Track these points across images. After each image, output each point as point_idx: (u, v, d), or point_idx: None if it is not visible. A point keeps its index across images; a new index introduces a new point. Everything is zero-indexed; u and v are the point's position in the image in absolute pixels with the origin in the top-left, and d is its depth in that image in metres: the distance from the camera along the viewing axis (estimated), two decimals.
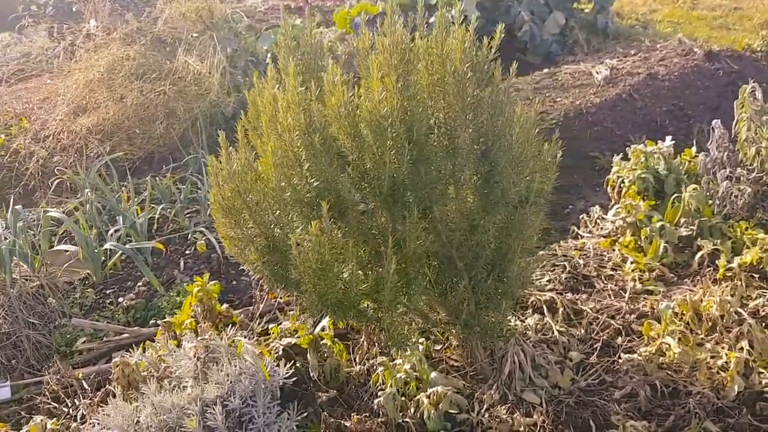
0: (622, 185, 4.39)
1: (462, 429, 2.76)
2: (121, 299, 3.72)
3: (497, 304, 2.80)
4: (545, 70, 6.87)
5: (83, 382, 2.94)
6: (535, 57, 8.15)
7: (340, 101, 2.37)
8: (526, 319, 3.33)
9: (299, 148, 2.36)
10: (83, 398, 2.83)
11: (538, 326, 3.23)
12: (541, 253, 4.16)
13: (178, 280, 3.92)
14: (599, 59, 6.73)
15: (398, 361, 2.90)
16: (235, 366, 2.22)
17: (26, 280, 3.68)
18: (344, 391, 3.07)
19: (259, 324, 3.13)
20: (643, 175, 4.21)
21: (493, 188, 2.59)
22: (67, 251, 3.90)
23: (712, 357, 2.95)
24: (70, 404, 2.88)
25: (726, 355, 2.89)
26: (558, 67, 6.98)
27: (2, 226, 3.73)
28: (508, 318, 3.24)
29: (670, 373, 2.93)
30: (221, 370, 2.23)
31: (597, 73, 6.18)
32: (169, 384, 2.40)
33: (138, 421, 2.20)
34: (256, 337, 2.87)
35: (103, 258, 3.94)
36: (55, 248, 3.91)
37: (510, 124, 2.40)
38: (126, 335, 3.46)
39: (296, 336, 2.93)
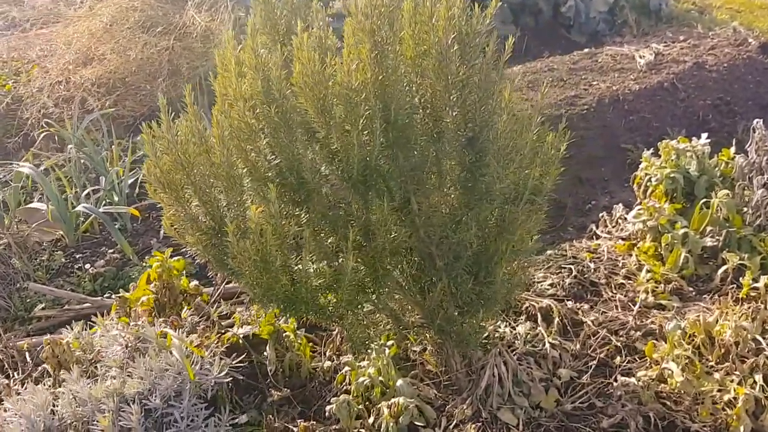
0: (648, 184, 4.04)
1: None
2: (89, 266, 3.55)
3: (476, 310, 2.53)
4: (585, 50, 6.47)
5: (26, 354, 2.79)
6: (579, 36, 7.74)
7: (307, 69, 2.11)
8: (517, 326, 3.06)
9: (254, 119, 2.12)
10: (21, 372, 2.67)
11: (529, 336, 2.96)
12: (549, 252, 3.88)
13: (154, 250, 3.74)
14: (645, 43, 6.30)
15: (363, 363, 2.67)
16: (160, 361, 2.02)
17: None
18: (306, 389, 2.86)
19: (221, 307, 2.93)
20: (671, 175, 3.86)
21: (477, 182, 2.31)
22: (43, 210, 3.75)
23: (719, 390, 2.65)
24: (9, 377, 2.73)
25: (735, 389, 2.58)
26: (600, 48, 6.56)
27: None
28: (492, 325, 2.99)
29: (669, 404, 2.64)
30: (144, 364, 2.03)
31: (640, 57, 5.77)
32: (100, 370, 2.21)
33: (53, 411, 2.02)
34: (207, 325, 2.66)
35: (79, 220, 3.78)
36: (30, 206, 3.76)
37: (497, 110, 2.11)
38: (88, 305, 3.31)
39: (257, 325, 2.71)
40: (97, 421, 1.90)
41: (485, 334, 3.02)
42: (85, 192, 3.87)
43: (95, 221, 3.88)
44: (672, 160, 3.93)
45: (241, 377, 2.85)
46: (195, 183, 2.09)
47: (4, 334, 3.17)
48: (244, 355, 2.64)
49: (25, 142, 5.59)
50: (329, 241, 2.39)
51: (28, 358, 2.77)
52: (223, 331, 2.68)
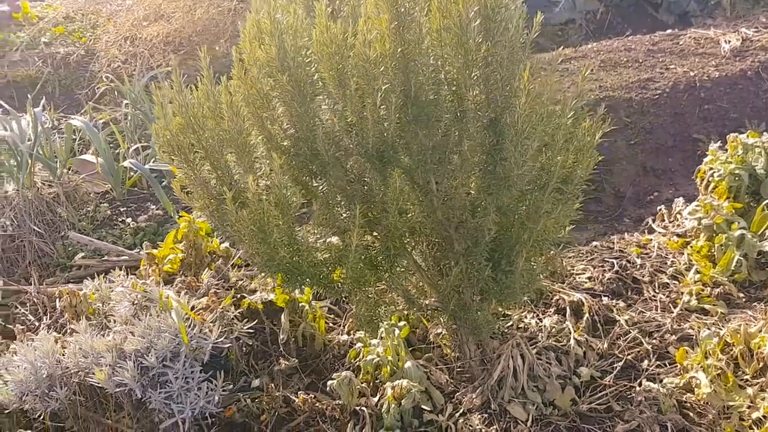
0: (711, 179, 3.79)
1: (427, 430, 2.50)
2: (131, 219, 3.67)
3: (491, 299, 2.46)
4: (668, 32, 6.12)
5: (57, 300, 2.91)
6: (667, 15, 7.36)
7: (325, 37, 2.07)
8: (543, 319, 2.95)
9: (268, 87, 2.09)
10: (49, 318, 2.80)
11: (554, 330, 2.86)
12: (595, 244, 3.72)
13: (195, 209, 3.82)
14: (735, 27, 5.88)
15: (374, 341, 2.65)
16: (160, 321, 2.05)
17: (45, 184, 3.70)
18: (320, 360, 2.87)
19: (241, 271, 2.96)
20: (736, 171, 3.61)
21: (497, 166, 2.21)
22: (94, 162, 3.88)
23: (749, 407, 2.48)
24: (40, 319, 2.86)
25: (765, 407, 2.41)
26: (685, 30, 6.19)
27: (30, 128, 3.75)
28: (518, 315, 2.90)
29: (692, 415, 2.50)
30: (144, 323, 2.07)
31: (725, 42, 5.40)
32: (113, 323, 2.28)
33: (59, 360, 2.10)
34: (225, 288, 2.69)
35: (127, 175, 3.90)
36: (81, 157, 3.91)
37: (516, 92, 2.00)
38: (125, 257, 3.43)
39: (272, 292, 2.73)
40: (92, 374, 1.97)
41: (508, 323, 2.95)
42: (134, 147, 3.98)
43: (143, 177, 4.00)
44: (738, 156, 3.67)
45: (257, 343, 2.90)
46: (206, 147, 2.10)
47: (47, 279, 3.32)
48: (257, 322, 2.67)
49: (93, 94, 5.81)
50: (344, 216, 2.36)
51: (58, 305, 2.90)
52: (239, 296, 2.71)
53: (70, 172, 3.91)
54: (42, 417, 2.28)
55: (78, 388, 2.19)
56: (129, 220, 3.68)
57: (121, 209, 3.85)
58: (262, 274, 2.61)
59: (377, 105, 2.13)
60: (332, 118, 2.26)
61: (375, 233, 2.45)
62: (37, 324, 2.83)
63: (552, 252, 2.66)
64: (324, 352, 2.92)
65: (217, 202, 2.18)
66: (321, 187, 2.36)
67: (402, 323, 2.65)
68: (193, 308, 2.32)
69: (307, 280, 2.22)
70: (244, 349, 2.81)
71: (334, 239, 2.41)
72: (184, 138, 2.05)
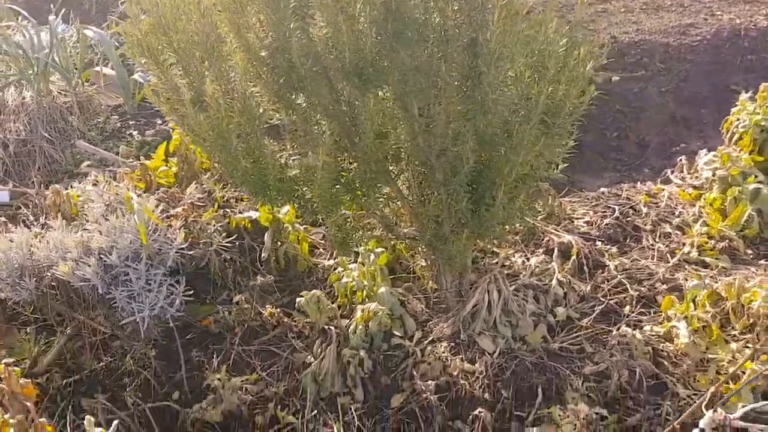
0: (736, 130, 3.60)
1: (395, 353, 2.51)
2: (137, 133, 3.72)
3: (465, 231, 2.41)
4: None
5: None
6: None
7: None
8: (530, 259, 2.90)
9: None
10: (46, 218, 2.88)
11: (537, 269, 2.81)
12: (603, 190, 3.61)
13: None
14: None
15: (352, 266, 2.65)
16: (124, 222, 2.09)
17: (61, 93, 3.77)
18: (304, 283, 2.89)
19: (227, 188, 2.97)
20: (761, 123, 3.41)
21: (476, 90, 2.14)
22: (108, 74, 3.93)
23: (729, 361, 2.40)
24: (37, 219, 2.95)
25: (743, 362, 2.32)
26: None
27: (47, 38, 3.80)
28: (504, 253, 2.85)
29: (666, 364, 2.44)
30: (110, 223, 2.11)
31: None
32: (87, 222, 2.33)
33: (32, 253, 2.17)
34: (209, 201, 2.72)
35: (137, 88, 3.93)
36: (96, 68, 3.95)
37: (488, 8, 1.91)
38: (127, 169, 3.47)
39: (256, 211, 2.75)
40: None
41: (494, 260, 2.91)
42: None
43: None
44: (767, 107, 3.47)
45: (244, 261, 2.93)
46: (177, 50, 2.08)
47: (53, 184, 3.41)
48: (244, 240, 2.70)
49: (125, 15, 5.84)
50: (316, 131, 2.32)
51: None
52: (223, 212, 2.73)
53: (86, 84, 3.96)
54: (18, 307, 2.38)
55: (50, 282, 2.27)
56: (136, 133, 3.73)
57: (130, 122, 3.91)
58: (236, 188, 2.62)
59: (356, 16, 2.06)
60: (306, 29, 2.21)
61: (355, 156, 2.42)
62: (34, 222, 2.92)
63: (537, 188, 2.59)
64: (308, 275, 2.94)
65: (185, 107, 2.17)
66: (300, 101, 2.32)
67: (379, 250, 2.64)
68: (168, 217, 2.35)
69: (277, 195, 2.21)
70: (227, 265, 2.85)
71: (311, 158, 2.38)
72: (155, 40, 2.04)
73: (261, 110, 2.05)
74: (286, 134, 2.31)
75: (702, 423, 1.16)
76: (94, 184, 2.54)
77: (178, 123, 2.16)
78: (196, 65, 2.08)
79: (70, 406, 2.30)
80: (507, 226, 2.54)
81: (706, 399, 2.09)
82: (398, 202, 2.62)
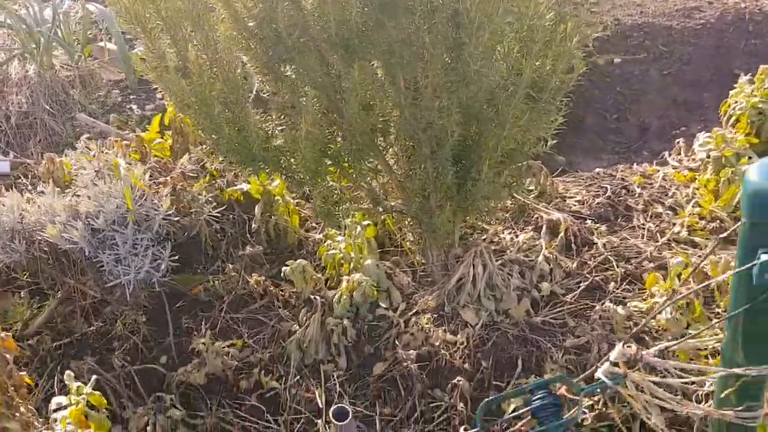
0: (733, 113, 3.59)
1: (379, 324, 2.55)
2: (137, 107, 3.77)
3: (449, 204, 2.44)
4: None
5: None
6: None
7: None
8: (519, 235, 2.92)
9: None
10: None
11: (525, 245, 2.83)
12: (598, 170, 3.61)
13: None
14: None
15: (339, 238, 2.68)
16: (110, 187, 2.13)
17: (64, 67, 3.82)
18: (294, 255, 2.93)
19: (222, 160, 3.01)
20: (758, 105, 3.40)
21: (459, 62, 2.15)
22: (111, 49, 3.97)
23: (712, 337, 2.41)
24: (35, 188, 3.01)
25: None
26: None
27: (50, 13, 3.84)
28: (493, 229, 2.88)
29: (647, 339, 2.46)
30: (97, 188, 2.16)
31: None
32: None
33: (23, 217, 2.23)
34: (201, 173, 2.76)
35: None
36: (99, 44, 4.00)
37: None
38: (126, 142, 3.52)
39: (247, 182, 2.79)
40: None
41: (483, 236, 2.93)
42: None
43: None
44: (765, 89, 3.45)
45: (236, 232, 2.98)
46: (165, 19, 2.11)
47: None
48: (237, 212, 2.74)
49: None
50: (303, 101, 2.35)
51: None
52: (214, 182, 2.77)
53: (89, 58, 4.01)
54: (12, 272, 2.44)
55: (42, 246, 2.33)
56: (136, 107, 3.79)
57: (131, 97, 3.96)
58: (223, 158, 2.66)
59: None
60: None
61: (341, 127, 2.44)
62: (31, 190, 2.98)
63: (526, 166, 2.61)
64: (299, 248, 2.98)
65: (169, 73, 2.20)
66: (289, 73, 2.35)
67: (366, 222, 2.67)
68: (157, 184, 2.40)
69: (263, 165, 2.25)
70: (220, 236, 2.90)
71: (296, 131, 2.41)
72: (143, 7, 2.07)
73: (245, 79, 2.07)
74: (271, 104, 2.34)
75: (612, 356, 1.19)
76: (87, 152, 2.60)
77: (164, 90, 2.20)
78: (183, 34, 2.11)
79: (59, 368, 2.36)
80: (493, 202, 2.56)
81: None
82: (386, 176, 2.65)
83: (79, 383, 1.75)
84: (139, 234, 2.19)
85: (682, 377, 1.37)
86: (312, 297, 2.55)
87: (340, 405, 1.17)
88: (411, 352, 2.42)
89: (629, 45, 4.58)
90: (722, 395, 1.31)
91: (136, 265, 2.17)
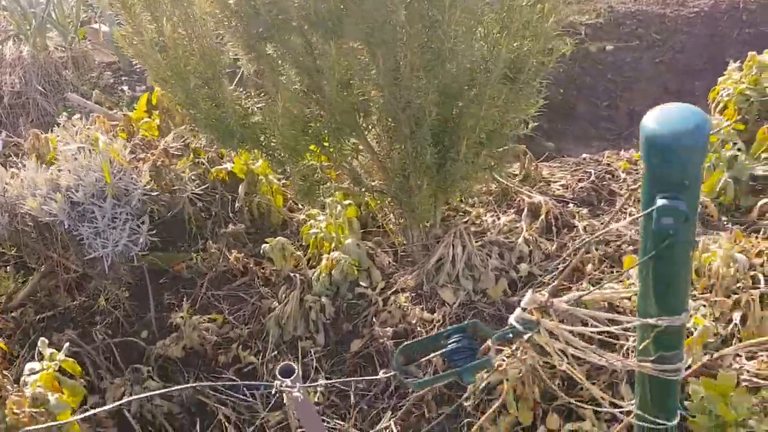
0: (721, 100, 3.60)
1: (358, 302, 2.58)
2: (127, 88, 3.80)
3: (426, 183, 2.46)
4: None
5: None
6: None
7: None
8: (501, 218, 2.94)
9: None
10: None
11: (505, 228, 2.85)
12: (585, 156, 3.63)
13: None
14: None
15: (321, 217, 2.71)
16: (89, 161, 2.17)
17: (57, 49, 3.85)
18: (276, 234, 2.96)
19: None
20: (746, 92, 3.41)
21: (434, 39, 2.17)
22: (106, 32, 4.00)
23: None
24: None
25: (696, 319, 2.36)
26: None
27: None
28: (475, 212, 2.90)
29: (620, 321, 2.47)
30: (77, 161, 2.19)
31: None
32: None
33: (6, 190, 2.26)
34: (184, 151, 2.79)
35: None
36: (92, 26, 4.03)
37: None
38: (115, 122, 3.56)
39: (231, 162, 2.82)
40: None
41: (465, 219, 2.96)
42: None
43: None
44: (752, 76, 3.46)
45: (221, 211, 3.01)
46: None
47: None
48: (222, 192, 2.77)
49: None
50: (287, 81, 2.37)
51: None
52: (198, 161, 2.80)
53: (83, 40, 4.04)
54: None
55: (26, 220, 2.36)
56: (126, 88, 3.82)
57: (123, 78, 4.00)
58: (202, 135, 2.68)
59: None
60: None
61: (321, 105, 2.47)
62: (19, 165, 3.02)
63: (507, 147, 2.62)
64: (283, 228, 3.02)
65: (150, 50, 2.22)
66: (269, 51, 2.37)
67: (347, 202, 2.70)
68: (138, 160, 2.43)
69: (241, 142, 2.28)
70: (204, 215, 2.94)
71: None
72: None
73: (222, 57, 2.10)
74: (249, 81, 2.37)
75: (523, 302, 1.21)
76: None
77: (143, 64, 2.23)
78: (164, 10, 2.14)
79: (40, 339, 2.40)
80: (473, 182, 2.59)
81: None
82: (367, 156, 2.68)
83: (53, 350, 1.78)
84: (119, 208, 2.23)
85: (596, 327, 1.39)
86: (291, 275, 2.58)
87: (287, 363, 1.20)
88: (388, 329, 2.45)
89: (622, 32, 4.59)
90: (641, 347, 1.33)
91: (115, 238, 2.21)
